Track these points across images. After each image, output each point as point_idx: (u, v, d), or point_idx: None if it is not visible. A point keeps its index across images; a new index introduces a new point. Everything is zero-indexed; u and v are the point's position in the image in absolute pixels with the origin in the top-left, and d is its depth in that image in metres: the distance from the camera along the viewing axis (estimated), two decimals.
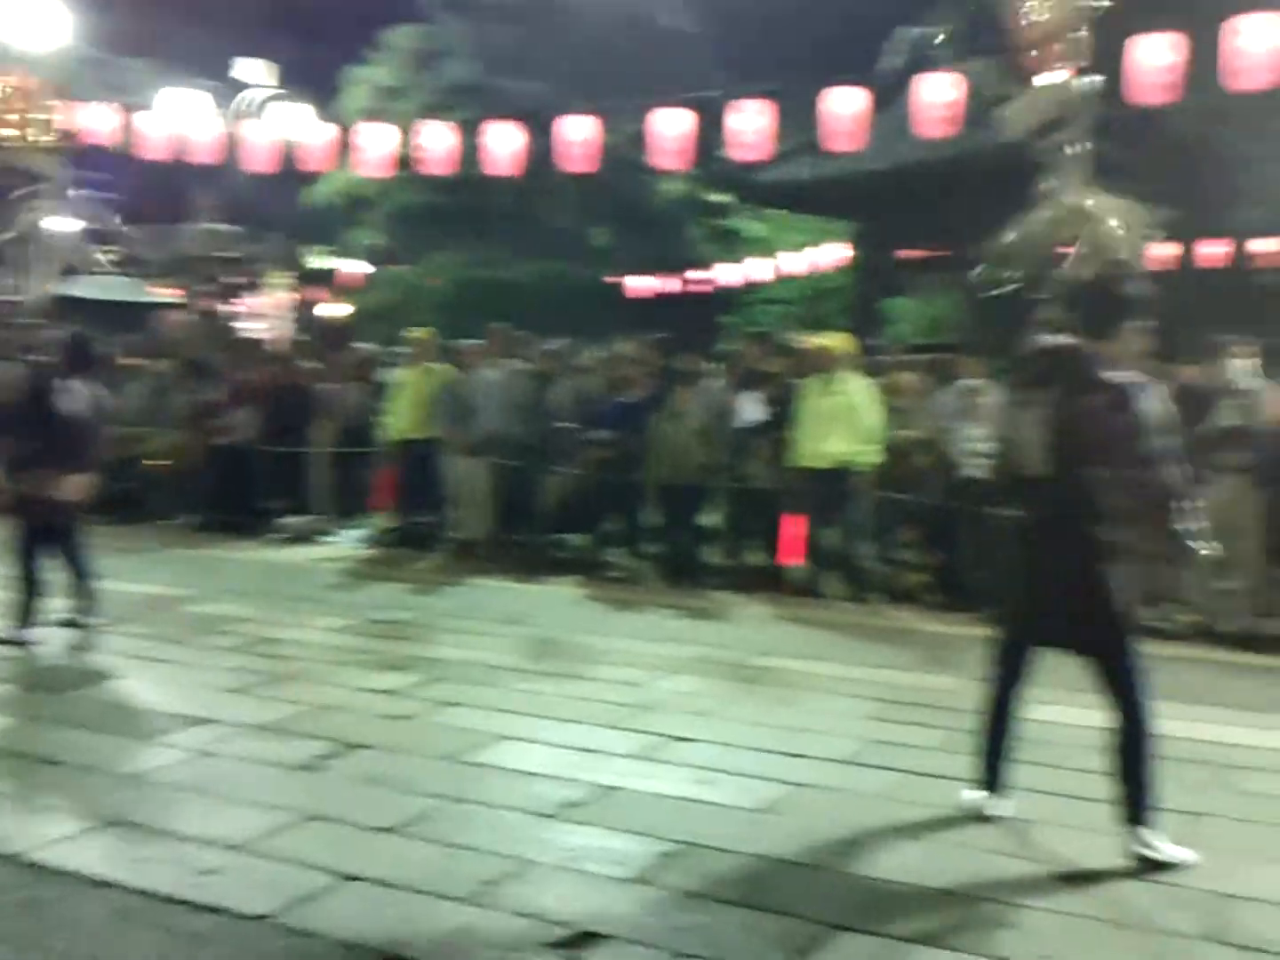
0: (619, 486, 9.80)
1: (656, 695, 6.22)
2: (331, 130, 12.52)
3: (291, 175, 18.56)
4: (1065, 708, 5.78)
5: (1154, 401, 4.20)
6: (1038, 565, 4.43)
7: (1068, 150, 4.81)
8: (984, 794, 4.57)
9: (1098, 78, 4.94)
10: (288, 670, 6.57)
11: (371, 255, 27.17)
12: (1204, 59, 8.87)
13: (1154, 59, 8.91)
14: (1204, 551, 4.31)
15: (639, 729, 5.59)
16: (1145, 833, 4.21)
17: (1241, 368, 7.84)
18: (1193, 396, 8.15)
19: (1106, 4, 4.74)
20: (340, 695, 6.10)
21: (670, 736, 5.47)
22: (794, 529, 9.38)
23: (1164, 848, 4.18)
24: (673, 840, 4.27)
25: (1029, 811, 4.58)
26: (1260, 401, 7.75)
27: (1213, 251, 17.72)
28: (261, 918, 3.64)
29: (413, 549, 10.78)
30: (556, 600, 8.92)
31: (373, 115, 16.06)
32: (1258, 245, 17.29)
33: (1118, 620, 4.28)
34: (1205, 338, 9.11)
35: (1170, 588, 8.21)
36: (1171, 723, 5.65)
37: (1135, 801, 4.25)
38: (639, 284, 23.50)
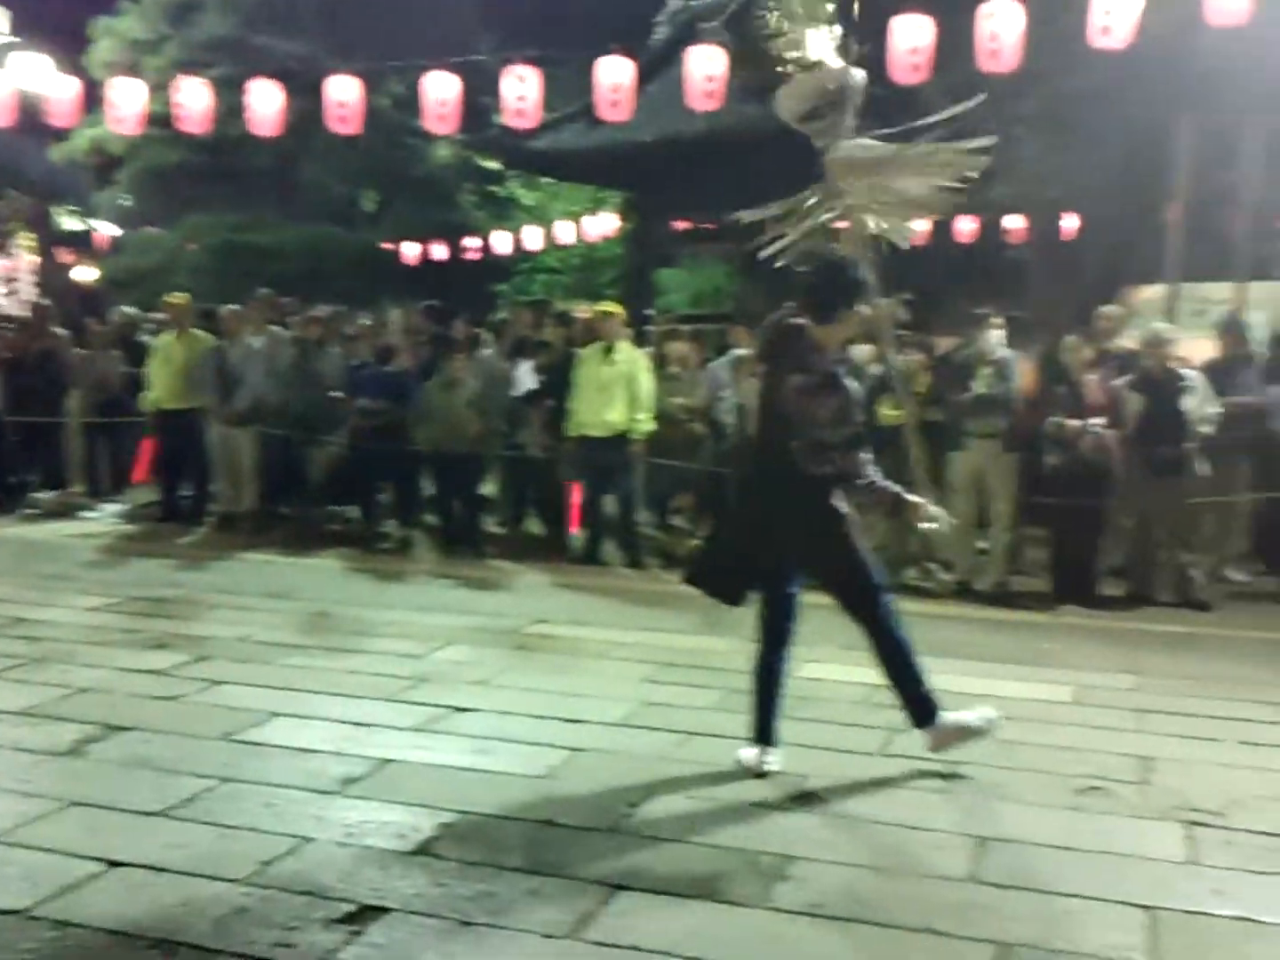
0: (390, 457, 9.66)
1: (433, 667, 6.18)
2: (76, 84, 11.80)
3: (39, 131, 17.50)
4: (831, 665, 6.03)
5: (856, 385, 4.59)
6: (758, 516, 4.68)
7: (831, 135, 4.94)
8: (757, 750, 4.72)
9: (860, 71, 5.09)
10: (45, 652, 6.24)
11: (123, 217, 25.87)
12: (957, 41, 9.30)
13: (909, 40, 9.30)
14: (933, 524, 4.74)
15: (416, 701, 5.55)
16: (943, 720, 4.64)
17: (995, 338, 8.26)
18: (951, 365, 8.59)
19: None
20: (102, 677, 5.83)
21: (448, 707, 5.45)
22: (572, 497, 9.46)
23: (967, 718, 4.70)
24: (453, 810, 4.26)
25: (802, 765, 4.74)
26: (1012, 370, 8.19)
27: (968, 227, 18.58)
28: (20, 912, 3.47)
29: (176, 523, 10.43)
30: (328, 574, 8.75)
31: (124, 69, 15.20)
32: (1008, 221, 18.18)
33: (841, 559, 4.61)
34: (961, 309, 9.61)
35: (929, 548, 8.65)
36: (935, 677, 5.98)
37: (914, 702, 4.65)
38: (413, 250, 23.08)
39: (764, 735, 4.76)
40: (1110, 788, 4.60)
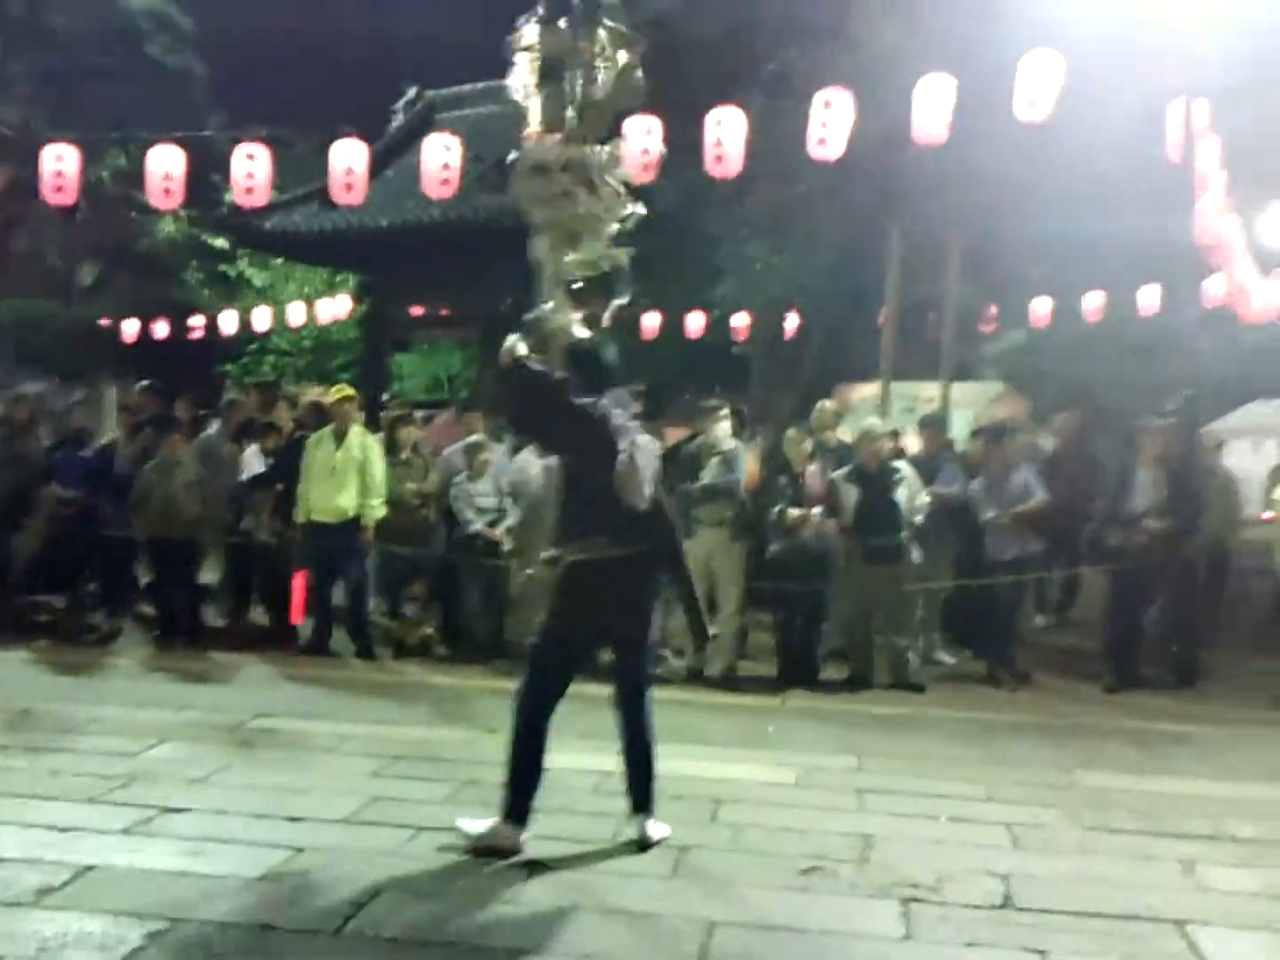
0: (93, 544, 9.15)
1: (145, 765, 5.83)
2: None
3: None
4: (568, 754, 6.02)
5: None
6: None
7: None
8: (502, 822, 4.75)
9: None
10: None
11: None
12: (687, 145, 9.68)
13: (639, 141, 9.61)
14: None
15: (125, 802, 5.22)
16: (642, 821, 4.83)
17: (723, 430, 8.53)
18: (680, 455, 8.80)
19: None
20: None
21: (160, 808, 5.14)
22: (300, 585, 9.17)
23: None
24: (162, 917, 4.00)
25: (536, 854, 4.69)
26: (739, 460, 8.46)
27: (697, 323, 19.22)
28: None
29: None
30: (30, 667, 8.21)
31: None
32: (734, 319, 18.92)
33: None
34: (690, 400, 9.91)
35: (663, 634, 8.77)
36: (664, 762, 6.05)
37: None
38: (133, 327, 22.14)
39: (523, 809, 4.79)
40: (832, 867, 4.72)
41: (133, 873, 4.43)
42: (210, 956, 3.75)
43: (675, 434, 10.22)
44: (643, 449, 4.80)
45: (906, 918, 4.25)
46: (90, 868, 4.44)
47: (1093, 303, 16.32)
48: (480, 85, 21.69)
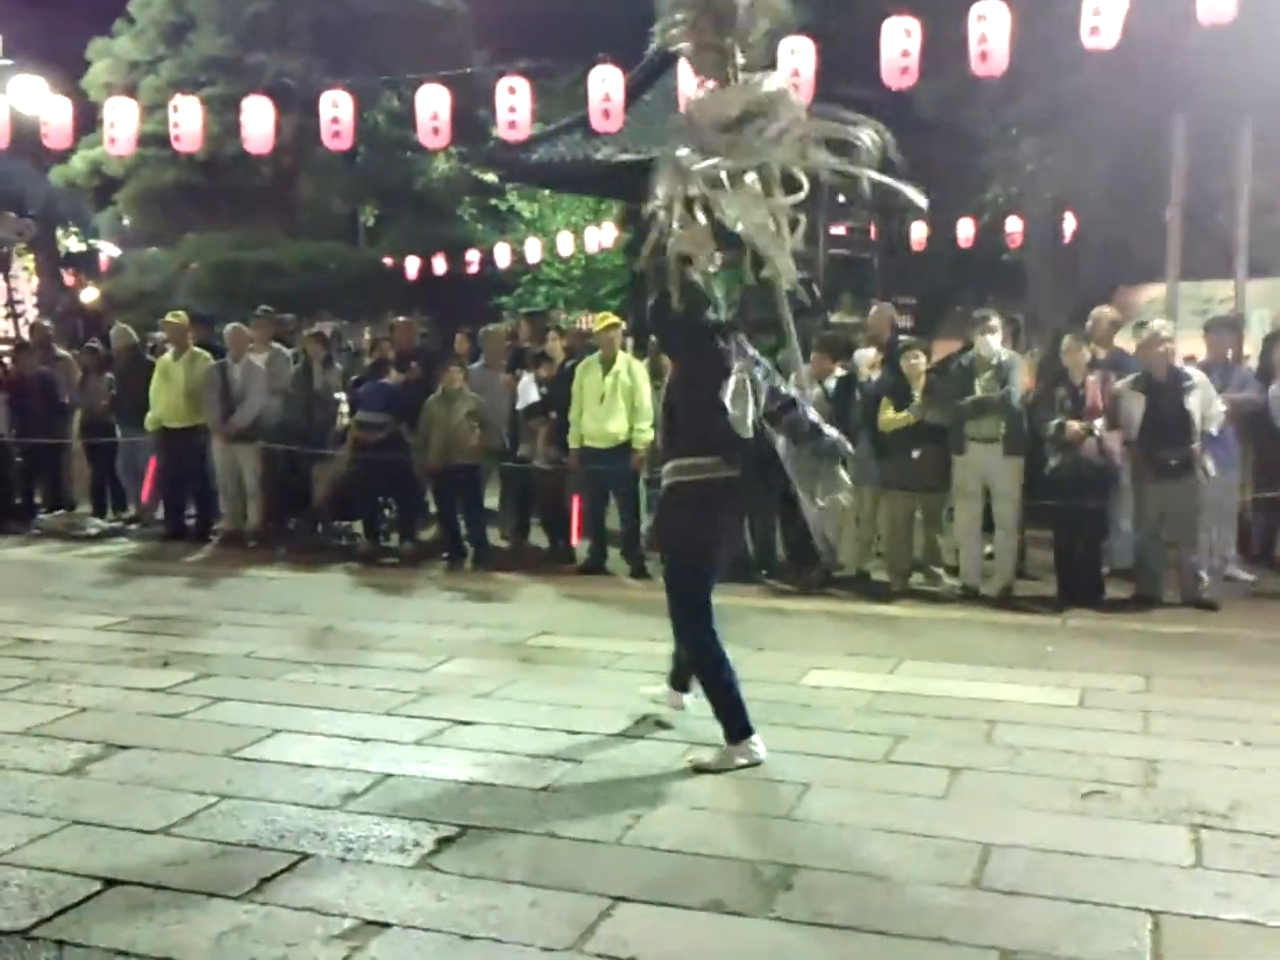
0: (393, 470, 9.65)
1: (436, 680, 6.16)
2: (69, 106, 11.80)
3: (38, 154, 17.54)
4: (835, 672, 6.04)
5: None
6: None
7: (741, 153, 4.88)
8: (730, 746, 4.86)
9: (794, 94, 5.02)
10: (48, 672, 6.24)
11: (124, 237, 25.95)
12: (945, 44, 9.31)
13: (898, 43, 9.31)
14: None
15: (418, 715, 5.54)
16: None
17: (994, 339, 8.23)
18: (952, 369, 8.55)
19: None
20: (105, 696, 5.84)
21: (450, 721, 5.43)
22: (577, 508, 9.44)
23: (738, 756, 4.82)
24: (454, 824, 4.24)
25: (805, 774, 4.73)
26: (1013, 373, 8.15)
27: (966, 231, 18.59)
28: (22, 932, 3.46)
29: (181, 542, 10.42)
30: (332, 589, 8.74)
31: (120, 90, 15.24)
32: (1006, 224, 18.20)
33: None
34: (962, 312, 9.60)
35: (935, 553, 8.63)
36: (937, 682, 5.97)
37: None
38: (414, 265, 23.11)
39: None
40: (1115, 791, 4.56)
41: (426, 781, 4.70)
42: (497, 862, 3.95)
43: (946, 347, 9.96)
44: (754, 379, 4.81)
45: (1196, 845, 4.07)
46: (388, 776, 4.74)
47: None
48: None
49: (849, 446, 5.10)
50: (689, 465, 4.89)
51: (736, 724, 4.87)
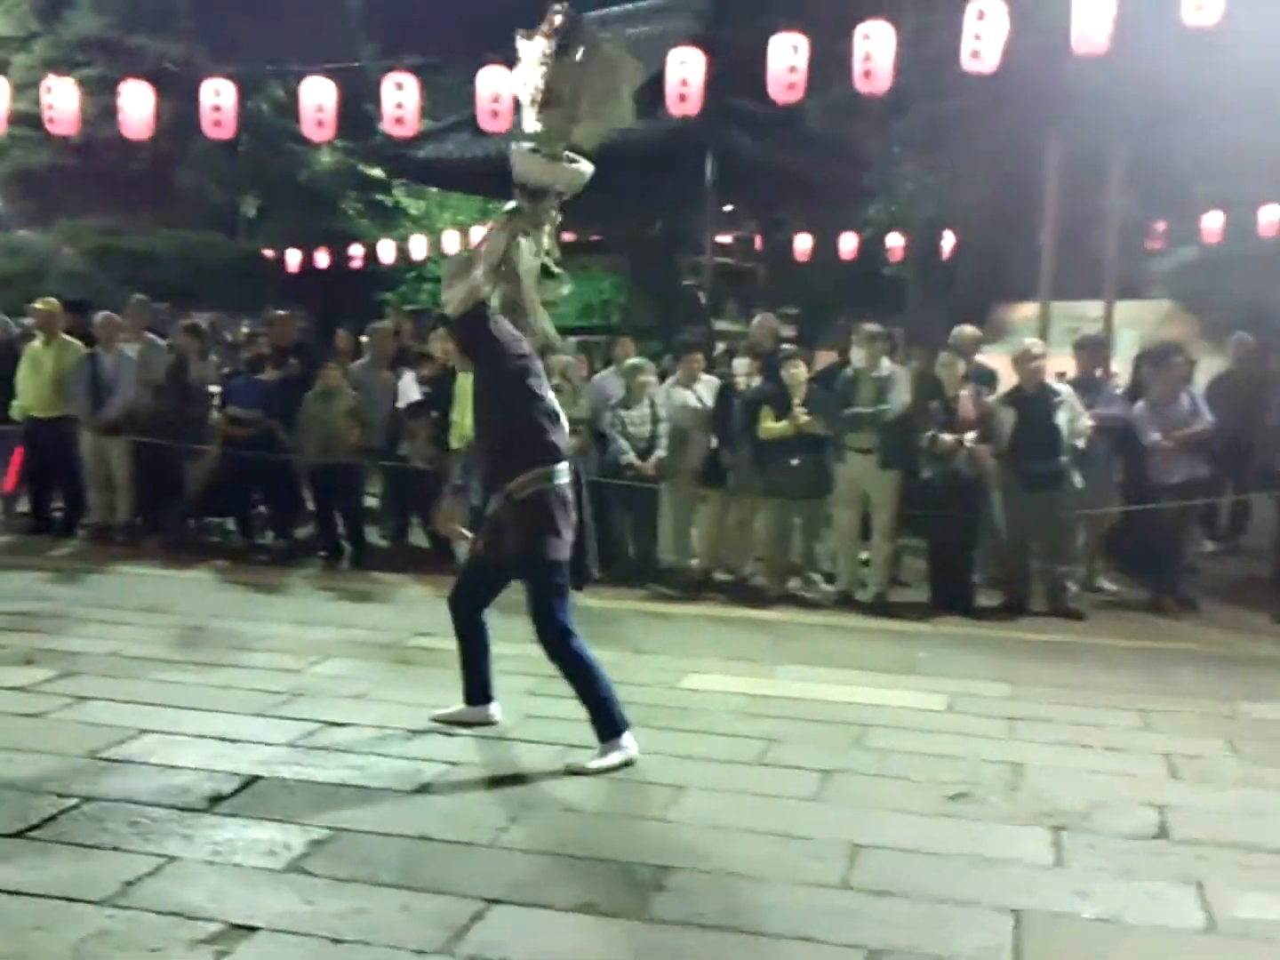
0: (268, 467, 9.48)
1: (309, 681, 6.07)
2: None
3: None
4: (710, 675, 6.09)
5: None
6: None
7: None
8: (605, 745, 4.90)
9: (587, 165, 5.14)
10: None
11: None
12: (834, 61, 9.48)
13: (783, 59, 9.45)
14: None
15: (290, 716, 5.45)
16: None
17: (876, 353, 8.39)
18: (833, 380, 8.69)
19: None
20: None
21: (323, 722, 5.36)
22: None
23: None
24: (325, 827, 4.18)
25: (680, 776, 4.76)
26: (893, 385, 8.31)
27: (849, 244, 18.93)
28: None
29: (47, 535, 10.10)
30: (203, 586, 8.56)
31: None
32: (888, 239, 18.58)
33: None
34: (843, 324, 9.77)
35: (812, 560, 8.77)
36: (812, 686, 6.07)
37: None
38: (295, 258, 22.72)
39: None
40: (981, 794, 4.69)
41: (297, 784, 4.63)
42: (368, 865, 3.90)
43: (827, 358, 10.11)
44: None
45: (1056, 846, 4.20)
46: (257, 778, 4.66)
47: (1269, 217, 15.55)
48: (629, 7, 21.46)
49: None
50: (536, 476, 4.90)
51: (608, 723, 4.89)
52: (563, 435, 5.02)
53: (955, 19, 8.99)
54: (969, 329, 9.11)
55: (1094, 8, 8.60)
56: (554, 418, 4.97)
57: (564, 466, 4.97)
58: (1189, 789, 4.84)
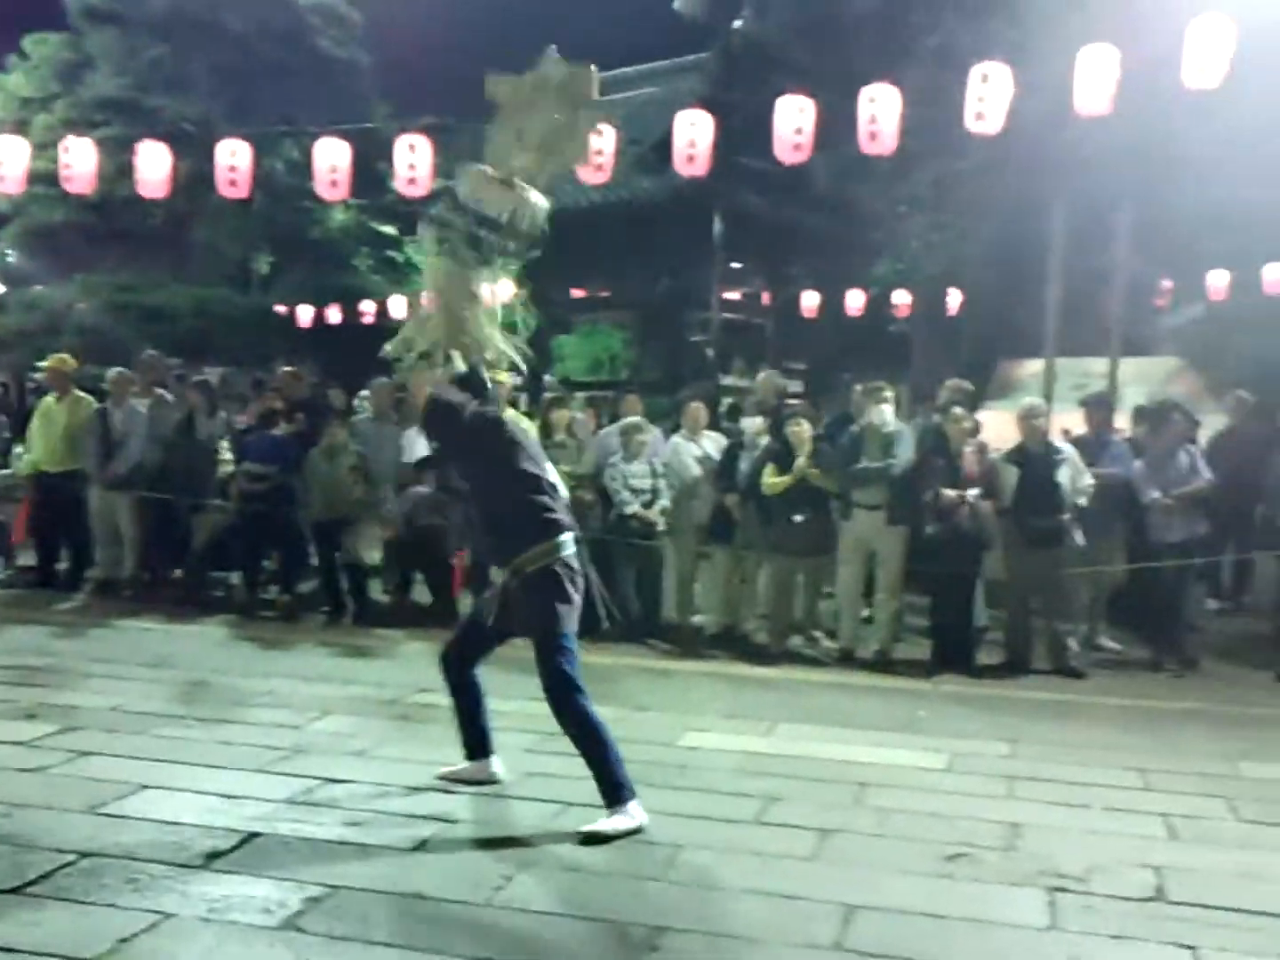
0: (274, 522, 9.53)
1: (310, 737, 6.09)
2: None
3: None
4: (710, 734, 6.08)
5: None
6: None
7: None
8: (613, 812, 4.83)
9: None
10: None
11: (9, 275, 25.33)
12: (841, 122, 9.60)
13: (790, 121, 9.56)
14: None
15: (290, 773, 5.46)
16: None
17: (885, 410, 8.44)
18: (845, 437, 8.72)
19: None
20: None
21: (322, 779, 5.37)
22: (462, 564, 9.39)
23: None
24: (321, 885, 4.19)
25: (677, 835, 4.76)
26: (900, 441, 8.36)
27: (856, 301, 19.04)
28: None
29: (52, 589, 10.14)
30: (208, 641, 8.58)
31: (10, 127, 14.97)
32: (894, 296, 18.69)
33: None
34: (849, 380, 9.85)
35: (814, 616, 8.78)
36: (812, 744, 6.06)
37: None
38: (307, 314, 22.89)
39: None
40: (978, 854, 4.68)
41: (295, 841, 4.64)
42: (363, 923, 3.91)
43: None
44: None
45: (1052, 907, 4.19)
46: (255, 834, 4.67)
47: (1274, 274, 15.64)
48: (638, 68, 21.78)
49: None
50: (542, 551, 4.93)
51: (615, 788, 4.85)
52: (564, 505, 5.07)
53: (962, 80, 9.11)
54: (957, 382, 9.21)
55: (1097, 70, 8.71)
56: (553, 490, 5.01)
57: (569, 537, 4.99)
58: (1187, 850, 4.83)
